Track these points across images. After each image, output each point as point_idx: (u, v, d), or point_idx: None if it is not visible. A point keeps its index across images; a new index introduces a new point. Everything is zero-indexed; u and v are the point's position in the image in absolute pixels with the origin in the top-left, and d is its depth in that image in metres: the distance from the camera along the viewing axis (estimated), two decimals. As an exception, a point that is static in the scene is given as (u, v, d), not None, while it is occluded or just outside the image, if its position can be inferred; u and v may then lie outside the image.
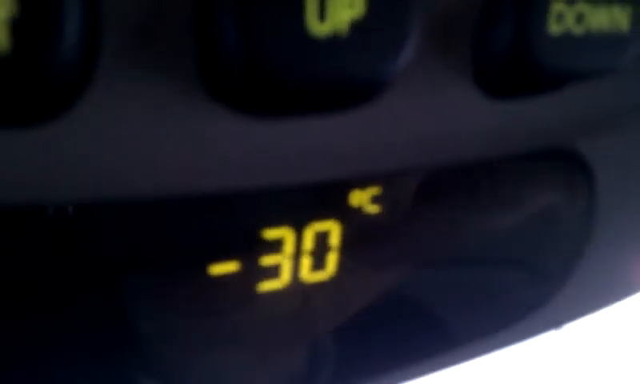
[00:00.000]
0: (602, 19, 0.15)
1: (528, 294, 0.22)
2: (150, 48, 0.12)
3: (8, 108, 0.10)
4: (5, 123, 0.11)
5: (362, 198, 0.17)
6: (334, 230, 0.17)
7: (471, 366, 0.22)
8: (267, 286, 0.16)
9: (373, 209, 0.17)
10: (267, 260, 0.16)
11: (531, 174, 0.20)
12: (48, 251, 0.14)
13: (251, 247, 0.16)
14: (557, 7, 0.14)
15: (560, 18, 0.14)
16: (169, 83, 0.12)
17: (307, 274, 0.17)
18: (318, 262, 0.17)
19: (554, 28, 0.14)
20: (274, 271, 0.16)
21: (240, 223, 0.16)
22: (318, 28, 0.11)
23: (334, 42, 0.12)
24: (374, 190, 0.17)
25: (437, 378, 0.22)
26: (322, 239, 0.17)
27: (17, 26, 0.09)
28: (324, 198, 0.16)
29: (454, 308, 0.21)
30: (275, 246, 0.16)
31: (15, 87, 0.10)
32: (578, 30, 0.14)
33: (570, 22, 0.14)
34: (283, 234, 0.16)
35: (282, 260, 0.16)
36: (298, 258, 0.17)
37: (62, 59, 0.10)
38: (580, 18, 0.14)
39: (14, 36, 0.09)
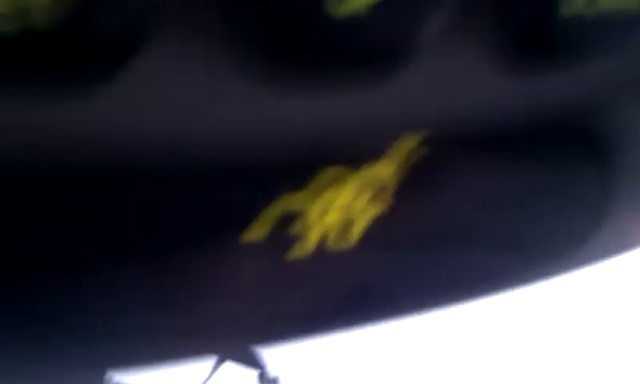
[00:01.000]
0: (612, 0, 0.15)
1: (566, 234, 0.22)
2: (184, 26, 0.13)
3: (60, 75, 0.11)
4: (54, 90, 0.12)
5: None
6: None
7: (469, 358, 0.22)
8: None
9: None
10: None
11: (553, 146, 0.20)
12: (92, 216, 0.14)
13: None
14: (567, -10, 0.15)
15: (571, 0, 0.15)
16: (204, 60, 0.14)
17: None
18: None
19: (566, 10, 0.15)
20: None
21: (269, 191, 0.16)
22: (339, 10, 0.12)
23: (353, 22, 0.13)
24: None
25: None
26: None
27: None
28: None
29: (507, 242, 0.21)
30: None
31: (70, 55, 0.11)
32: (589, 12, 0.15)
33: (581, 4, 0.15)
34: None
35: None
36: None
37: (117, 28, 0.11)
38: (591, 0, 0.15)
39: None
